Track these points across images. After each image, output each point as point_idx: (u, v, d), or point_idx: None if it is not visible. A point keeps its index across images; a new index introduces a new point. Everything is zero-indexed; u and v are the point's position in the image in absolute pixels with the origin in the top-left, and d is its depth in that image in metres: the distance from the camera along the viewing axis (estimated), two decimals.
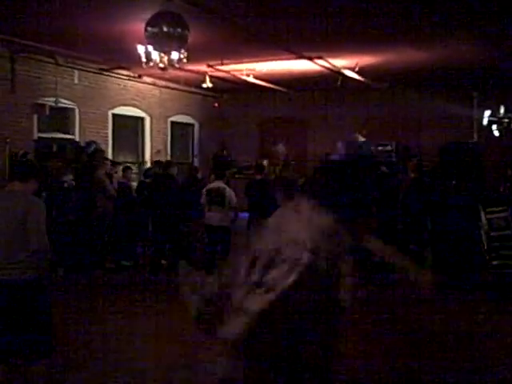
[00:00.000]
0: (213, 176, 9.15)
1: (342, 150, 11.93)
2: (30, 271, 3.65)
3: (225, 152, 14.05)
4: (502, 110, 11.64)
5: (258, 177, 9.19)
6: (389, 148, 13.45)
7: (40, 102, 10.13)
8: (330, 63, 10.12)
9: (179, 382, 4.42)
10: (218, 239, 8.17)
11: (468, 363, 4.91)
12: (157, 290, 7.37)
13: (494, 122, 11.74)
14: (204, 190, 8.28)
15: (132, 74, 11.93)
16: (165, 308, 6.43)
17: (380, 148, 12.47)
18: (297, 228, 1.94)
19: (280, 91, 13.42)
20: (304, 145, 14.44)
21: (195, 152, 14.95)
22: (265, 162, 11.33)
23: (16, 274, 3.62)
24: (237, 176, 12.88)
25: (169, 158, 13.68)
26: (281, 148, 13.13)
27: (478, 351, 5.22)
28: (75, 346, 5.08)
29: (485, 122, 11.88)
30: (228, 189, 8.25)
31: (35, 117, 10.17)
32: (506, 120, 11.51)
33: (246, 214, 9.44)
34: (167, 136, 13.76)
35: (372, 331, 5.70)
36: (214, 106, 14.48)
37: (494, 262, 7.40)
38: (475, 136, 12.70)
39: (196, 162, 14.42)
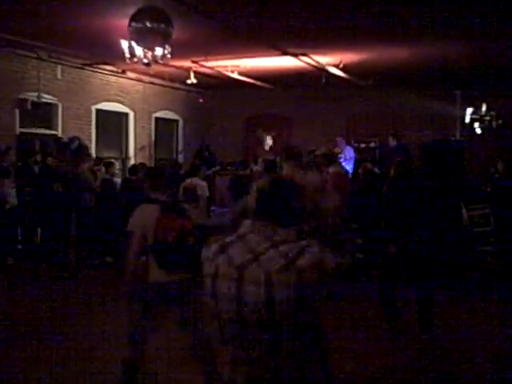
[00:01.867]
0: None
1: (342, 146, 11.99)
2: None
3: (209, 149, 13.87)
4: (483, 108, 11.78)
5: (243, 172, 9.19)
6: (372, 145, 13.59)
7: (22, 97, 10.03)
8: (314, 60, 10.15)
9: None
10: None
11: (450, 364, 4.98)
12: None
13: (476, 120, 11.88)
14: (181, 188, 7.98)
15: (116, 70, 11.86)
16: None
17: (363, 145, 12.58)
18: None
19: (265, 88, 13.42)
20: (289, 141, 14.48)
21: (179, 148, 14.92)
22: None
23: None
24: (221, 172, 12.87)
25: (153, 154, 13.66)
26: (261, 133, 13.03)
27: (458, 350, 5.28)
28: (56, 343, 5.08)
29: (467, 119, 12.02)
30: (201, 185, 7.97)
31: (17, 112, 10.07)
32: (488, 118, 11.65)
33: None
34: (151, 132, 13.71)
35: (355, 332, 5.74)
36: (200, 101, 14.45)
37: (476, 259, 7.48)
38: (458, 134, 12.83)
39: (181, 159, 14.38)
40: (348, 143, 12.76)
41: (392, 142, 12.33)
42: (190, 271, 3.84)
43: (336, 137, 12.69)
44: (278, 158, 11.04)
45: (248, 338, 2.09)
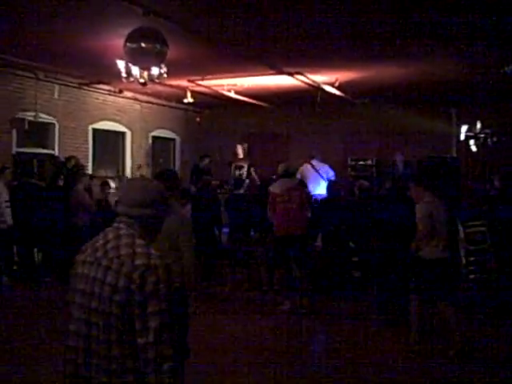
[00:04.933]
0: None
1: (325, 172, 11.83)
2: None
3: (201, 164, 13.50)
4: (478, 126, 11.84)
5: (237, 191, 9.20)
6: (369, 163, 13.63)
7: (19, 116, 10.05)
8: (309, 79, 10.21)
9: None
10: None
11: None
12: None
13: (471, 138, 11.93)
14: None
15: (113, 89, 11.92)
16: None
17: (361, 163, 12.61)
18: None
19: (261, 106, 13.49)
20: (286, 160, 14.47)
21: (177, 167, 14.92)
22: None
23: None
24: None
25: (149, 173, 13.64)
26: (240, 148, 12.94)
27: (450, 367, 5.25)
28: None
29: (462, 137, 12.07)
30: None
31: (14, 131, 10.09)
32: (482, 135, 11.70)
33: (227, 230, 9.43)
34: (148, 151, 13.73)
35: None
36: (197, 120, 14.47)
37: (472, 276, 7.46)
38: (454, 151, 12.89)
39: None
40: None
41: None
42: None
43: (332, 155, 12.72)
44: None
45: None
